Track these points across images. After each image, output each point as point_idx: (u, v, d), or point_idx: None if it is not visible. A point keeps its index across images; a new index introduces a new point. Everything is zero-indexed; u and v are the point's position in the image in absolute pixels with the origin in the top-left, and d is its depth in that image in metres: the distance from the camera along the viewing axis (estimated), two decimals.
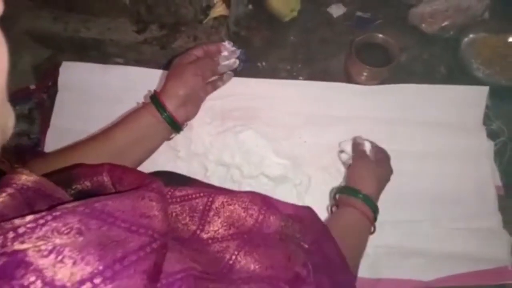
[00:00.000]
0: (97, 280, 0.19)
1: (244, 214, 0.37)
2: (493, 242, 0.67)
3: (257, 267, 0.31)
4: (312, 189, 0.71)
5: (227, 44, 0.73)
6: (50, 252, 0.19)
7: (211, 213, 0.35)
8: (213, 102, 0.78)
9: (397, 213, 0.69)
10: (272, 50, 0.89)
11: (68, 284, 0.19)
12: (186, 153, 0.74)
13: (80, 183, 0.33)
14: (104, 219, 0.22)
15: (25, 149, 0.79)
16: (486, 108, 0.77)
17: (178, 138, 0.72)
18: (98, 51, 0.85)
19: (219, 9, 0.80)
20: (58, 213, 0.21)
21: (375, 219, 0.61)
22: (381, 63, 0.78)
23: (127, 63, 0.85)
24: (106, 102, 0.80)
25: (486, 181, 0.72)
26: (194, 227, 0.35)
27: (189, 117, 0.69)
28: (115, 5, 0.81)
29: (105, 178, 0.32)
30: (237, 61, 0.76)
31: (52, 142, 0.77)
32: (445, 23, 0.85)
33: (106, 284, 0.19)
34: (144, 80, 0.81)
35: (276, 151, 0.73)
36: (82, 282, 0.19)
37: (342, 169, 0.72)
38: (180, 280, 0.24)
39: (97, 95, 0.81)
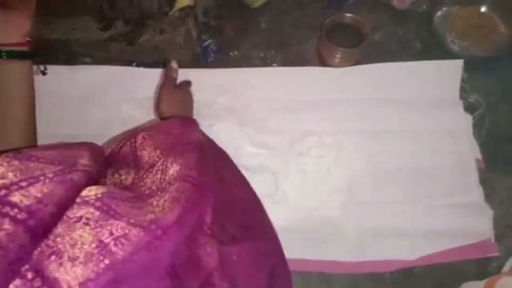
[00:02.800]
0: (12, 187, 0.25)
1: (164, 136, 0.40)
2: (476, 216, 0.66)
3: (182, 169, 0.35)
4: (291, 176, 0.70)
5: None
6: None
7: (138, 151, 0.38)
8: None
9: (377, 194, 0.68)
10: (244, 38, 0.87)
11: None
12: None
13: None
14: (27, 158, 0.27)
15: None
16: (462, 81, 0.76)
17: None
18: (64, 53, 0.82)
19: (184, 0, 0.78)
20: None
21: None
22: (354, 43, 0.76)
23: (95, 62, 0.82)
24: (77, 103, 0.78)
25: (466, 155, 0.71)
26: (132, 171, 0.37)
27: None
28: (77, 4, 0.78)
29: None
30: None
31: None
32: None
33: (19, 190, 0.25)
34: (114, 78, 0.79)
35: (252, 141, 0.72)
36: None
37: (320, 154, 0.71)
38: (95, 199, 0.28)
39: (66, 97, 0.79)
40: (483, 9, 0.83)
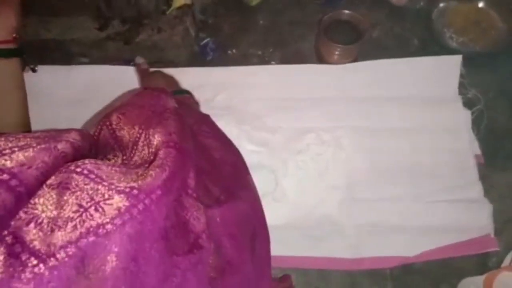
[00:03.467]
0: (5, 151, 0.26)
1: (138, 111, 0.40)
2: (475, 212, 0.66)
3: (163, 136, 0.35)
4: (289, 174, 0.69)
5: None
6: None
7: (117, 132, 0.38)
8: None
9: (377, 191, 0.68)
10: (242, 36, 0.86)
11: None
12: None
13: None
14: (13, 135, 0.28)
15: None
16: (461, 77, 0.76)
17: None
18: (61, 52, 0.82)
19: None
20: None
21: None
22: (352, 40, 0.76)
23: (92, 61, 0.82)
24: (74, 103, 0.78)
25: (465, 151, 0.71)
26: (119, 153, 0.37)
27: None
28: (73, 4, 0.78)
29: None
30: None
31: None
32: None
33: (2, 156, 0.25)
34: (111, 78, 0.79)
35: (250, 139, 0.71)
36: None
37: (318, 151, 0.71)
38: (76, 166, 0.28)
39: (64, 98, 0.78)
40: (480, 4, 0.83)
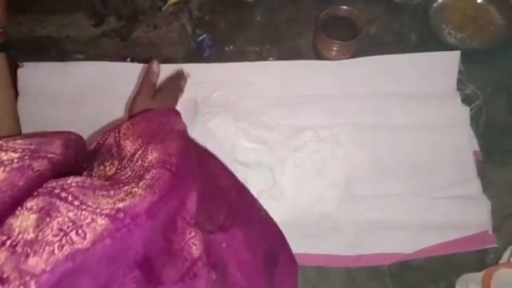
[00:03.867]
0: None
1: (146, 124, 0.40)
2: (474, 208, 0.66)
3: (160, 155, 0.34)
4: (287, 171, 0.69)
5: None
6: None
7: (121, 140, 0.37)
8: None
9: (375, 188, 0.68)
10: (239, 33, 0.86)
11: None
12: None
13: None
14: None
15: None
16: (459, 73, 0.76)
17: None
18: (56, 50, 0.81)
19: None
20: None
21: None
22: (349, 36, 0.75)
23: (87, 58, 0.81)
24: (70, 101, 0.77)
25: (463, 147, 0.71)
26: (116, 162, 0.36)
27: None
28: (69, 1, 0.77)
29: None
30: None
31: None
32: None
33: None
34: (107, 74, 0.79)
35: (248, 136, 0.71)
36: None
37: (316, 148, 0.70)
38: (61, 189, 0.27)
39: (60, 94, 0.78)
40: (479, 0, 0.83)
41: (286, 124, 0.73)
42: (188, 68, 0.78)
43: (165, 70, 0.77)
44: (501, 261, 0.63)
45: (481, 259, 0.64)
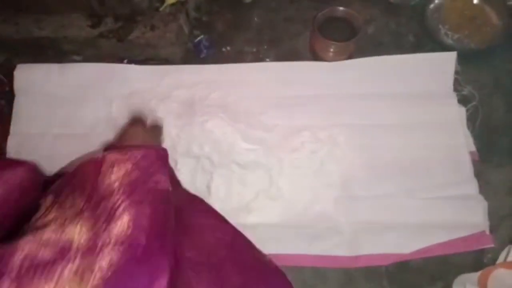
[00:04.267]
0: None
1: (132, 166, 0.37)
2: (470, 209, 0.66)
3: (130, 226, 0.32)
4: (285, 171, 0.69)
5: None
6: None
7: (100, 176, 0.36)
8: (179, 92, 0.76)
9: (371, 188, 0.68)
10: (236, 34, 0.86)
11: None
12: None
13: None
14: None
15: None
16: (456, 73, 0.76)
17: None
18: (54, 50, 0.81)
19: None
20: None
21: None
22: (346, 37, 0.75)
23: (85, 59, 0.81)
24: (66, 101, 0.77)
25: (460, 148, 0.71)
26: (84, 199, 0.35)
27: None
28: (66, 2, 0.77)
29: None
30: None
31: (14, 148, 0.75)
32: None
33: None
34: (104, 75, 0.78)
35: (245, 137, 0.71)
36: None
37: (313, 149, 0.70)
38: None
39: (56, 96, 0.78)
40: (475, 1, 0.83)
41: (283, 125, 0.73)
42: (185, 69, 0.78)
43: (163, 72, 0.78)
44: (498, 261, 0.63)
45: (478, 259, 0.64)
